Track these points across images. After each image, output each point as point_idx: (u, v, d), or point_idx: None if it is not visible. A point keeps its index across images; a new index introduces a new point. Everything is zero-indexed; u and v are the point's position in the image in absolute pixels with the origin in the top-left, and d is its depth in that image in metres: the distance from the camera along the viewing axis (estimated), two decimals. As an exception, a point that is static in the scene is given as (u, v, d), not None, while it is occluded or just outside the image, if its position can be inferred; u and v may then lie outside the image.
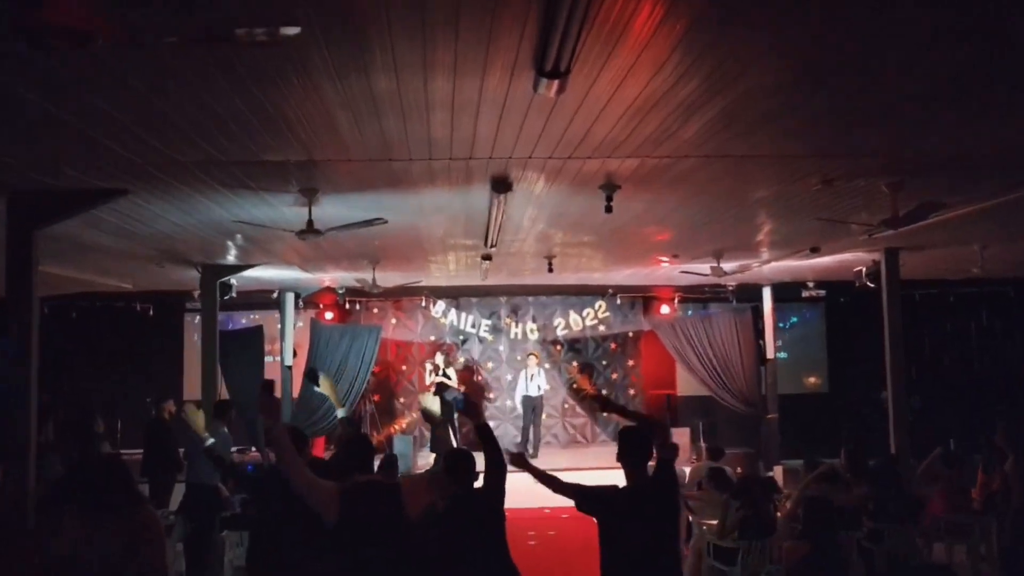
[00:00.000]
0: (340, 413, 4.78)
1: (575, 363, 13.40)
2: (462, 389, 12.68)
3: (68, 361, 12.33)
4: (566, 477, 4.01)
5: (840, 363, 13.60)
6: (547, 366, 13.77)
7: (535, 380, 12.45)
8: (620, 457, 3.90)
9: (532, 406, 12.47)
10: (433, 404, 11.38)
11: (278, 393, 11.83)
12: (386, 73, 3.52)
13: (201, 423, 4.48)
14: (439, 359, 12.53)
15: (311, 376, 5.14)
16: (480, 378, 13.85)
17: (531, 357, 12.68)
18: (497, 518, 3.86)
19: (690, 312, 13.69)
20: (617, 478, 3.94)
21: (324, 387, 4.78)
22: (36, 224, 5.28)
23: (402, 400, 13.72)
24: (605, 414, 12.93)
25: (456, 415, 11.90)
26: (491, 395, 13.83)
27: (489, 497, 3.86)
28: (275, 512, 4.06)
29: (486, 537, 3.80)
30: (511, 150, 4.72)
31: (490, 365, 13.76)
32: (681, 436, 12.02)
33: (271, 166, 4.95)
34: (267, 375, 11.59)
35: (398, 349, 13.91)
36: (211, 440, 4.55)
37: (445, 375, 12.43)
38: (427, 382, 12.63)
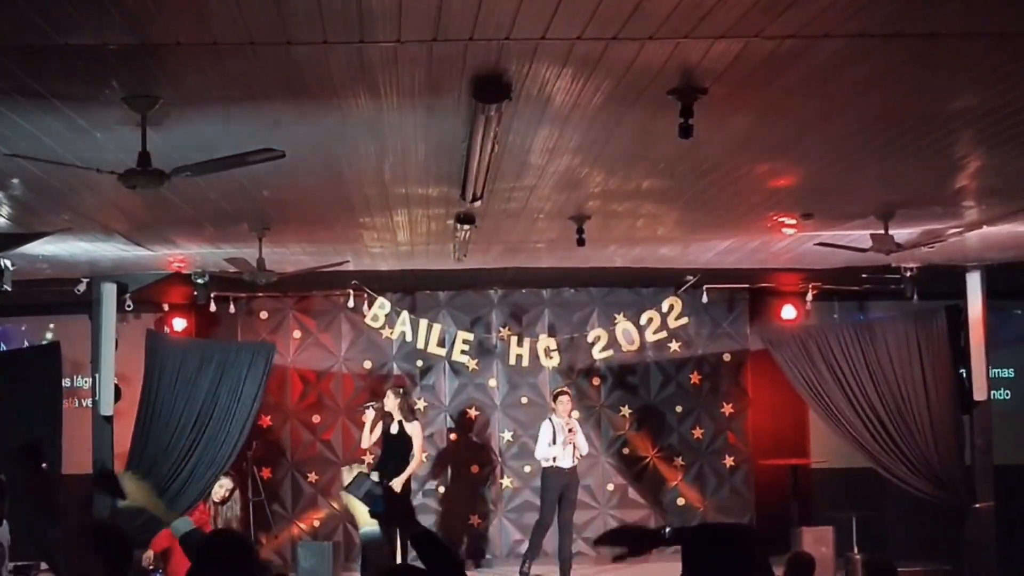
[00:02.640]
0: (182, 527, 4.85)
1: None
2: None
3: None
4: None
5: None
6: (573, 416, 13.84)
7: (572, 439, 12.38)
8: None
9: (562, 487, 12.44)
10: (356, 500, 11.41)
11: (80, 464, 11.88)
12: None
13: None
14: (390, 401, 12.44)
15: (105, 483, 5.27)
16: (454, 438, 13.91)
17: (561, 397, 12.62)
18: None
19: (835, 317, 13.70)
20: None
21: (134, 493, 4.89)
22: None
23: (313, 477, 13.80)
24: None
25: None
26: (474, 468, 13.89)
27: None
28: None
29: None
30: (509, 26, 4.73)
31: (472, 414, 13.83)
32: (819, 541, 12.05)
33: (75, 55, 4.95)
34: (69, 428, 11.65)
35: (306, 386, 13.97)
36: None
37: (401, 429, 12.38)
38: (364, 442, 12.61)
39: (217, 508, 11.54)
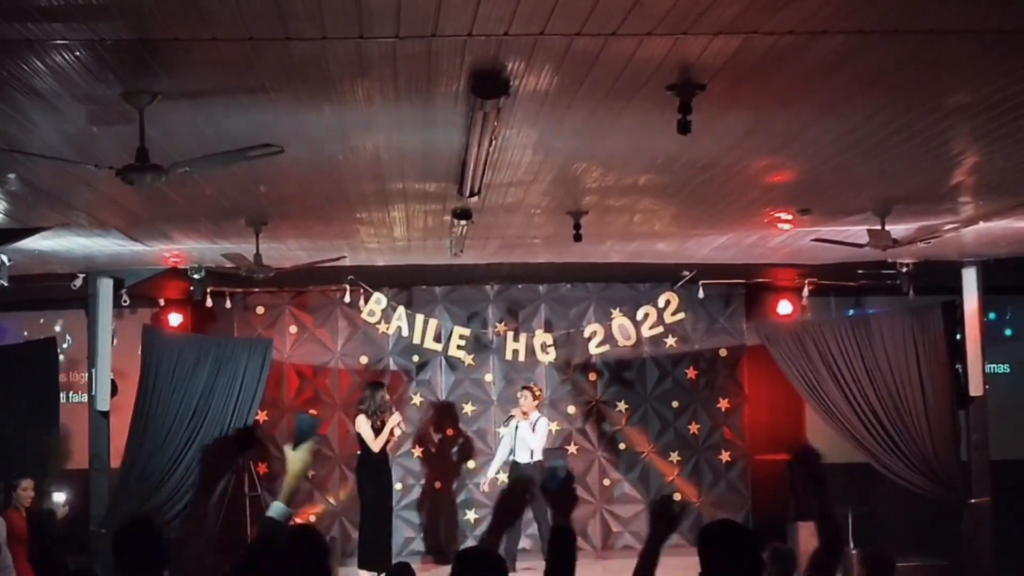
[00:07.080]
0: (276, 510, 4.40)
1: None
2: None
3: None
4: None
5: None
6: (570, 411, 13.85)
7: (532, 435, 12.49)
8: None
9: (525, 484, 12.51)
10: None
11: (76, 456, 11.85)
12: None
13: None
14: (377, 394, 12.46)
15: (304, 429, 4.91)
16: (450, 433, 13.91)
17: (524, 394, 12.70)
18: None
19: (831, 313, 13.69)
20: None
21: (298, 456, 4.50)
22: None
23: (309, 473, 13.76)
24: None
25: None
26: (471, 463, 13.88)
27: None
28: None
29: None
30: (507, 21, 4.74)
31: (468, 409, 13.84)
32: (815, 536, 12.08)
33: (72, 50, 4.94)
34: (65, 423, 11.64)
35: (302, 381, 13.96)
36: None
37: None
38: (372, 437, 12.46)
39: (29, 513, 10.60)
